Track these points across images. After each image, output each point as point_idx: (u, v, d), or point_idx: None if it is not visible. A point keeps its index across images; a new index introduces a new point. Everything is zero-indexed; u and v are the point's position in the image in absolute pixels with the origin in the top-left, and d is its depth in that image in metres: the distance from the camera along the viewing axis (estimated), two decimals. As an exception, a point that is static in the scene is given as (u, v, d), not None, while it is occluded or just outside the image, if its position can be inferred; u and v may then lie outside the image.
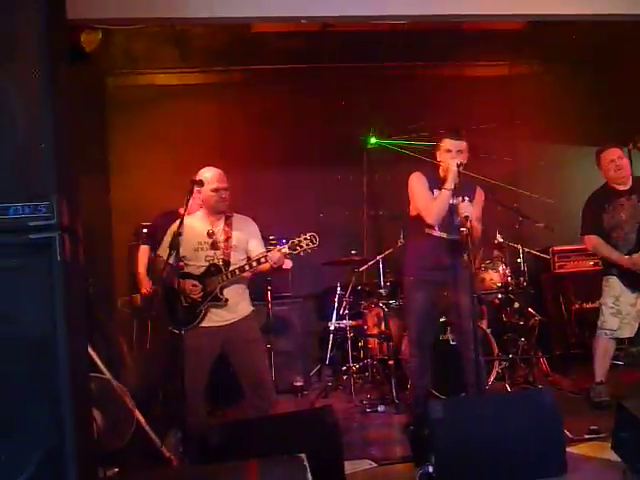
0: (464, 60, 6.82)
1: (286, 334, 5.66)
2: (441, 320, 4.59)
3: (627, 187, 4.52)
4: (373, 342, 5.49)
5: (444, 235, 4.08)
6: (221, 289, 3.81)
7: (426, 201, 4.05)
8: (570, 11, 4.50)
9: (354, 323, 5.59)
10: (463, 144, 4.03)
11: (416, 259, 4.22)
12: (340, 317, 5.66)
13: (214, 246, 3.86)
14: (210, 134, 6.34)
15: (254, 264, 3.77)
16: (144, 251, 5.11)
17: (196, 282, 3.77)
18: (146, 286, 5.06)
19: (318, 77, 6.54)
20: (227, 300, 3.82)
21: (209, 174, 3.86)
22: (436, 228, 4.07)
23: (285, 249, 3.70)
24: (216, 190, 3.84)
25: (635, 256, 4.37)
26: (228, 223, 3.95)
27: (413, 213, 4.20)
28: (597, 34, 5.92)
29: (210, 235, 3.88)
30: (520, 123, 6.81)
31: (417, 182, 4.14)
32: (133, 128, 6.25)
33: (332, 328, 5.70)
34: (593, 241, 4.55)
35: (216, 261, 3.83)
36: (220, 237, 3.90)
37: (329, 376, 5.93)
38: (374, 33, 5.75)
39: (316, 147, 6.49)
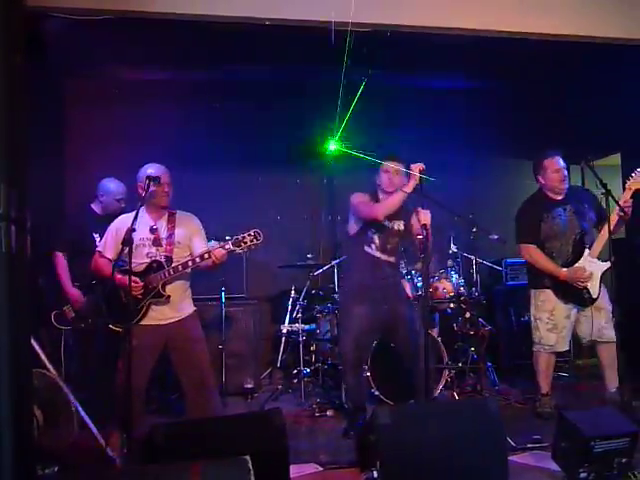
0: (428, 70, 6.89)
1: (238, 336, 5.62)
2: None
3: (562, 197, 4.52)
4: (325, 346, 5.50)
5: (382, 256, 4.25)
6: (163, 285, 3.76)
7: (371, 205, 4.22)
8: (522, 29, 4.64)
9: (307, 327, 5.60)
10: (401, 166, 4.19)
11: (353, 276, 4.36)
12: (293, 320, 5.66)
13: (156, 242, 3.83)
14: (168, 133, 6.26)
15: (197, 260, 3.72)
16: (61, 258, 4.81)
17: (136, 279, 3.70)
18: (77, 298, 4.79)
19: (280, 79, 6.53)
20: (169, 297, 3.77)
21: (154, 170, 3.83)
22: (373, 247, 4.23)
23: (229, 246, 3.68)
24: (160, 185, 3.81)
25: (573, 269, 4.33)
26: (171, 219, 3.92)
27: (352, 231, 4.33)
28: (548, 53, 6.05)
29: (152, 231, 3.84)
30: (478, 135, 6.90)
31: (358, 198, 4.30)
32: (90, 124, 6.13)
33: (285, 331, 5.69)
34: (531, 250, 4.48)
35: (158, 257, 3.79)
36: (163, 234, 3.86)
37: (280, 379, 5.92)
38: (337, 38, 5.76)
39: (276, 150, 6.46)
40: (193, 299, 4.08)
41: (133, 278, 3.69)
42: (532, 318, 4.59)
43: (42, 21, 4.31)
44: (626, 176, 6.21)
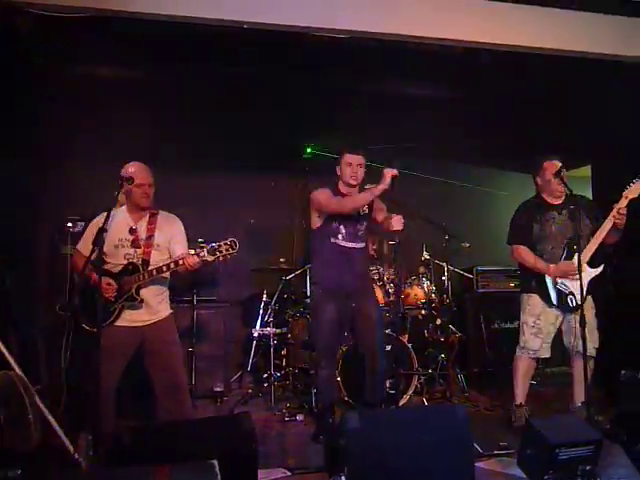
0: (402, 77, 6.95)
1: (209, 338, 5.58)
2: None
3: (560, 202, 4.49)
4: (296, 351, 5.50)
5: (349, 244, 4.24)
6: (137, 289, 3.72)
7: (336, 199, 4.22)
8: (504, 41, 4.71)
9: (278, 331, 5.59)
10: (361, 158, 4.23)
11: (323, 269, 4.34)
12: (264, 324, 5.65)
13: (135, 244, 3.78)
14: (144, 132, 6.21)
15: (172, 266, 3.67)
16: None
17: (111, 280, 3.67)
18: None
19: (257, 81, 6.52)
20: (142, 301, 3.74)
21: (133, 169, 3.79)
22: (340, 237, 4.23)
23: (204, 254, 3.61)
24: (139, 185, 3.77)
25: (562, 264, 4.32)
26: (152, 221, 3.88)
27: (315, 225, 4.33)
28: (521, 65, 6.15)
29: (132, 232, 3.79)
30: (452, 143, 6.97)
31: (320, 193, 4.30)
32: (66, 120, 6.05)
33: (256, 335, 5.67)
34: (521, 251, 4.47)
35: (135, 259, 3.74)
36: (142, 235, 3.82)
37: (250, 383, 5.89)
38: (316, 43, 5.78)
39: (252, 152, 6.45)
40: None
41: (108, 280, 3.68)
42: (520, 322, 4.57)
43: (16, 17, 4.26)
44: (597, 187, 6.40)
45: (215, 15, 4.00)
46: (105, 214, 3.80)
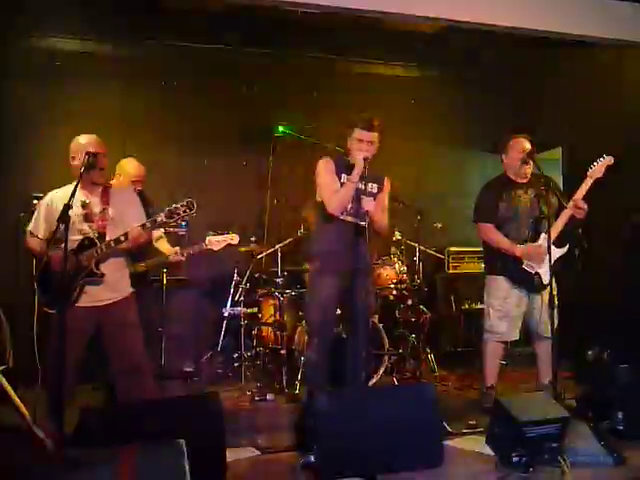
0: (375, 57, 6.93)
1: (179, 318, 5.54)
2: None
3: (525, 181, 4.49)
4: (267, 331, 5.47)
5: (350, 219, 4.06)
6: (97, 263, 3.61)
7: (329, 191, 4.04)
8: (484, 20, 4.69)
9: (249, 311, 5.56)
10: (375, 135, 4.00)
11: (323, 243, 4.17)
12: (235, 304, 5.60)
13: (87, 218, 3.66)
14: (112, 109, 6.08)
15: (130, 236, 3.56)
16: None
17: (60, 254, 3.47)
18: None
19: (228, 59, 6.43)
20: (103, 275, 3.62)
21: (89, 142, 3.68)
22: (344, 213, 4.05)
23: (161, 217, 3.53)
24: (93, 155, 3.62)
25: (529, 246, 4.32)
26: (105, 194, 3.75)
27: (319, 199, 4.15)
28: (503, 44, 6.16)
29: (84, 206, 3.67)
30: (426, 124, 6.96)
31: (324, 169, 4.10)
32: (32, 94, 5.89)
33: (226, 315, 5.63)
34: (487, 229, 4.45)
35: (91, 234, 3.63)
36: (95, 209, 3.69)
37: (220, 363, 5.86)
38: (286, 20, 5.72)
39: (222, 130, 6.37)
40: (133, 280, 3.96)
41: (59, 255, 3.47)
42: (485, 305, 4.58)
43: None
44: (568, 169, 6.45)
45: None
46: (57, 191, 3.71)
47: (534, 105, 6.77)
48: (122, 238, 3.55)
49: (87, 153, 3.57)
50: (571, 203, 4.23)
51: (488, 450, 3.35)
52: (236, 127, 6.45)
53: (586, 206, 4.23)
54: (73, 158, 3.70)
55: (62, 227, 3.28)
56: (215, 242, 4.51)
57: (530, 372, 4.91)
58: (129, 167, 4.64)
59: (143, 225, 3.58)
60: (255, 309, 5.60)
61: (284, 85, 6.44)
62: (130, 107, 6.15)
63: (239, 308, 5.48)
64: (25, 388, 3.97)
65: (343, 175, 4.06)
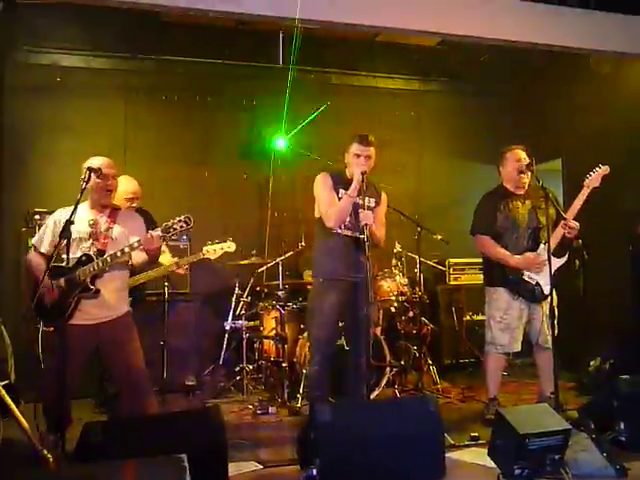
0: (375, 71, 6.97)
1: (181, 332, 5.54)
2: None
3: (523, 192, 4.50)
4: (268, 344, 5.47)
5: (349, 233, 4.10)
6: (92, 279, 3.63)
7: (327, 206, 4.09)
8: (482, 34, 4.73)
9: (250, 324, 5.57)
10: (371, 150, 4.09)
11: (324, 259, 4.21)
12: (236, 317, 5.61)
13: (92, 236, 3.70)
14: (112, 124, 6.12)
15: (126, 249, 3.59)
16: None
17: (49, 284, 3.55)
18: None
19: (230, 74, 6.48)
20: (98, 291, 3.63)
21: (99, 162, 3.70)
22: (343, 227, 4.10)
23: (158, 232, 3.56)
24: (105, 177, 3.67)
25: (529, 255, 4.34)
26: (112, 215, 3.81)
27: (318, 214, 4.20)
28: (496, 59, 6.21)
29: (91, 225, 3.71)
30: (426, 137, 7.00)
31: (321, 184, 4.17)
32: (32, 110, 5.93)
33: (228, 328, 5.63)
34: (484, 241, 4.47)
35: (91, 252, 3.66)
36: (101, 228, 3.73)
37: (222, 376, 5.86)
38: (288, 35, 5.76)
39: (223, 145, 6.42)
40: (135, 294, 4.00)
41: (47, 286, 3.57)
42: (486, 317, 4.58)
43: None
44: (568, 180, 6.48)
45: (178, 3, 3.92)
46: (67, 209, 3.73)
47: (534, 116, 6.79)
48: (135, 244, 3.58)
49: (88, 168, 3.58)
50: (562, 224, 4.20)
51: (490, 462, 3.34)
52: (236, 141, 6.48)
53: (577, 225, 4.22)
54: (88, 177, 3.71)
55: (63, 243, 3.32)
56: (212, 251, 4.52)
57: (531, 383, 4.91)
58: (124, 184, 4.65)
59: (138, 240, 3.59)
60: (257, 322, 5.61)
61: (283, 99, 6.47)
62: (131, 122, 6.19)
63: (241, 321, 5.49)
64: (26, 403, 3.97)
65: (341, 190, 4.11)
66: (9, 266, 5.58)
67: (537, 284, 4.34)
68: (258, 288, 5.78)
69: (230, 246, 4.49)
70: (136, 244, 3.59)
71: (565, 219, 4.18)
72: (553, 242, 4.23)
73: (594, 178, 4.27)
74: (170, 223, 3.58)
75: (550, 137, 6.56)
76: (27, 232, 5.24)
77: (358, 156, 4.07)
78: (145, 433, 2.94)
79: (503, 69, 6.67)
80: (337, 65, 6.80)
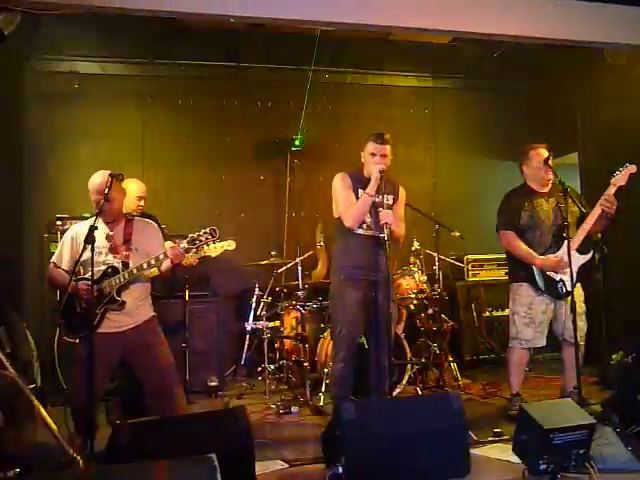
0: (389, 69, 6.97)
1: (202, 334, 5.59)
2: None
3: (546, 190, 4.50)
4: (289, 344, 5.51)
5: (369, 232, 4.12)
6: (118, 291, 3.70)
7: (346, 205, 4.10)
8: (492, 30, 4.71)
9: (271, 324, 5.60)
10: (387, 148, 4.09)
11: (344, 258, 4.21)
12: (257, 318, 5.65)
13: (113, 250, 3.76)
14: (132, 129, 6.19)
15: (152, 262, 3.67)
16: None
17: (89, 283, 3.53)
18: None
19: (245, 76, 6.52)
20: (124, 302, 3.71)
21: (97, 179, 3.72)
22: (365, 227, 4.11)
23: (184, 244, 3.63)
24: (118, 193, 3.77)
25: (550, 257, 4.33)
26: (128, 226, 3.86)
27: (337, 214, 4.21)
28: (511, 54, 6.19)
29: (109, 239, 3.77)
30: (441, 134, 7.00)
31: (339, 184, 4.18)
32: (51, 117, 6.01)
33: (249, 329, 5.67)
34: (509, 237, 4.45)
35: (115, 264, 3.73)
36: (119, 240, 3.79)
37: (244, 377, 5.91)
38: (302, 36, 5.78)
39: (240, 146, 6.47)
40: (156, 296, 4.05)
41: (86, 283, 3.59)
42: (510, 312, 4.56)
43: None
44: (585, 174, 6.45)
45: (196, 9, 3.95)
46: (81, 223, 3.83)
47: (549, 111, 6.77)
48: (161, 256, 3.63)
49: (111, 175, 3.62)
50: (602, 199, 4.19)
51: (515, 458, 3.33)
52: (252, 143, 6.53)
53: (616, 202, 4.19)
54: (92, 194, 3.77)
55: (88, 250, 3.36)
56: (212, 249, 4.54)
57: (553, 378, 4.89)
58: (132, 186, 4.71)
59: (164, 253, 3.65)
60: (277, 322, 5.65)
61: (298, 100, 6.49)
62: (148, 126, 6.25)
63: (261, 322, 5.52)
64: (51, 406, 4.03)
65: (359, 190, 4.12)
66: (33, 272, 5.67)
67: (561, 280, 4.33)
68: (278, 288, 5.81)
69: (230, 244, 4.47)
70: (162, 256, 3.65)
71: (605, 195, 4.16)
72: (578, 239, 4.24)
73: (621, 177, 4.23)
74: (196, 235, 3.64)
75: (566, 131, 6.53)
76: (50, 238, 5.32)
77: (374, 155, 4.08)
78: (173, 434, 2.98)
79: (517, 64, 6.66)
80: (351, 65, 6.82)
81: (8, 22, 3.97)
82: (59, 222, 5.32)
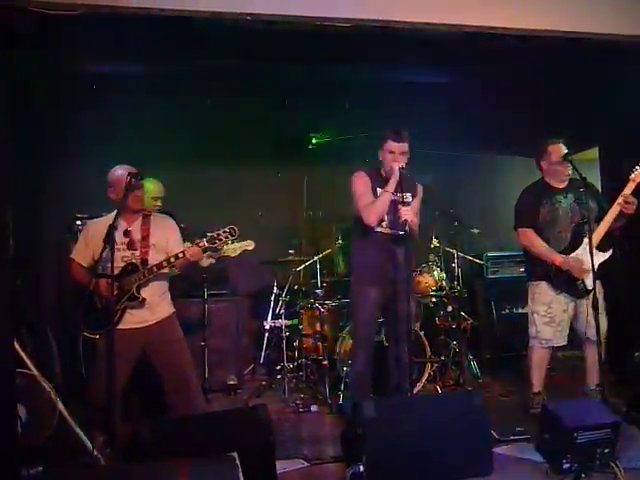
0: (405, 65, 6.92)
1: (221, 332, 5.58)
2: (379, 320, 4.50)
3: (564, 186, 4.45)
4: (308, 342, 5.51)
5: (388, 230, 4.11)
6: (138, 288, 3.73)
7: (365, 202, 4.08)
8: (509, 24, 4.66)
9: (290, 323, 5.60)
10: (405, 146, 4.07)
11: (363, 256, 4.22)
12: (276, 316, 5.66)
13: (131, 246, 3.78)
14: (150, 128, 6.20)
15: (172, 260, 3.68)
16: None
17: (109, 280, 3.55)
18: None
19: (261, 75, 6.50)
20: (144, 300, 3.74)
21: (121, 170, 3.76)
22: (384, 225, 4.10)
23: (203, 243, 3.65)
24: (132, 189, 3.72)
25: (571, 257, 4.27)
26: (146, 222, 3.88)
27: (356, 212, 4.18)
28: (527, 48, 6.10)
29: (126, 234, 3.79)
30: (458, 131, 6.94)
31: (358, 182, 4.17)
32: (71, 117, 6.04)
33: (267, 327, 5.69)
34: (528, 235, 4.40)
35: (134, 260, 3.75)
36: (137, 236, 3.81)
37: (263, 375, 5.91)
38: (318, 34, 5.75)
39: (257, 145, 6.45)
40: (175, 295, 4.06)
41: (107, 280, 3.60)
42: (529, 311, 4.51)
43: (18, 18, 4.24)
44: (606, 169, 6.36)
45: (215, 8, 3.95)
46: (97, 220, 3.85)
47: (568, 105, 6.68)
48: (180, 255, 3.65)
49: (130, 174, 3.63)
50: (620, 199, 4.14)
51: (538, 457, 3.32)
52: (269, 141, 6.52)
53: (636, 201, 4.14)
54: (110, 189, 3.80)
55: (107, 249, 3.39)
56: (232, 249, 4.54)
57: (574, 376, 4.84)
58: (149, 185, 4.72)
59: (182, 251, 3.67)
60: (296, 321, 5.64)
61: (315, 97, 6.47)
62: (166, 126, 6.26)
63: (280, 320, 5.53)
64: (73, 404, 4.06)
65: (378, 188, 4.11)
66: (53, 273, 5.70)
67: (580, 278, 4.28)
68: (296, 287, 5.80)
69: (249, 244, 4.47)
70: (180, 254, 3.66)
71: (623, 195, 4.11)
72: (597, 236, 4.18)
73: None
74: (215, 234, 3.65)
75: (586, 125, 6.45)
76: (70, 238, 5.34)
77: (392, 152, 4.06)
78: (195, 432, 2.99)
79: (533, 59, 6.58)
80: (365, 60, 6.77)
81: (24, 23, 3.99)
82: (79, 222, 5.33)
